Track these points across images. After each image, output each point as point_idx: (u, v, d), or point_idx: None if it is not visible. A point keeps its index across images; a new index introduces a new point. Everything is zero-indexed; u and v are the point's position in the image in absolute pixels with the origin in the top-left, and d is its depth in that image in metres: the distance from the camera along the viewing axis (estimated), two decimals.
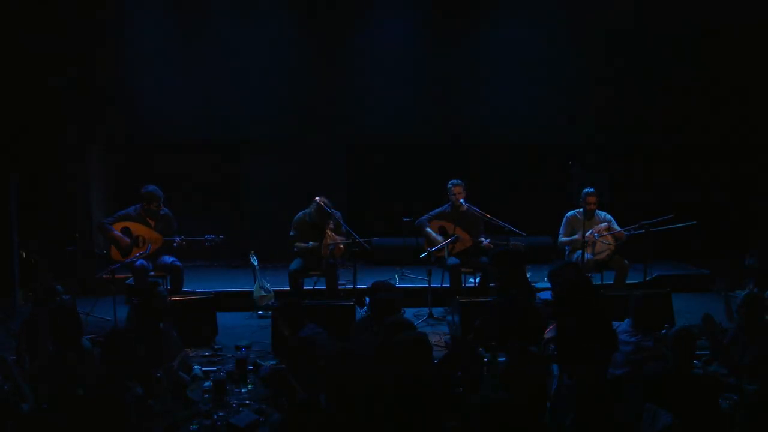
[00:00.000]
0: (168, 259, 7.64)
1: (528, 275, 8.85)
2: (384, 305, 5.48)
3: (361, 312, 6.93)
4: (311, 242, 7.63)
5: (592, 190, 7.99)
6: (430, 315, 7.82)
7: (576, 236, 7.86)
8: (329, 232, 7.60)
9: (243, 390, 5.32)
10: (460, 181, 7.99)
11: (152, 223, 7.62)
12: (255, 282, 8.10)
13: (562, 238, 8.15)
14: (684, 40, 9.87)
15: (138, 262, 7.33)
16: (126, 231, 7.54)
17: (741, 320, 5.58)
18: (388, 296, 5.69)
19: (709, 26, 9.70)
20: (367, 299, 6.27)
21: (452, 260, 7.78)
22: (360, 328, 5.66)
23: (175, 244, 7.54)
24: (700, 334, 5.76)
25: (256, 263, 8.16)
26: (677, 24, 9.77)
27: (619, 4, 9.78)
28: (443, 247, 7.69)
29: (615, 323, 5.55)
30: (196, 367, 5.61)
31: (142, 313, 5.64)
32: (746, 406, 4.55)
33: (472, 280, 8.12)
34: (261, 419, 4.75)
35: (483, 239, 7.80)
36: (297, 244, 7.73)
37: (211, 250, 8.91)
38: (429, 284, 7.88)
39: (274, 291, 8.09)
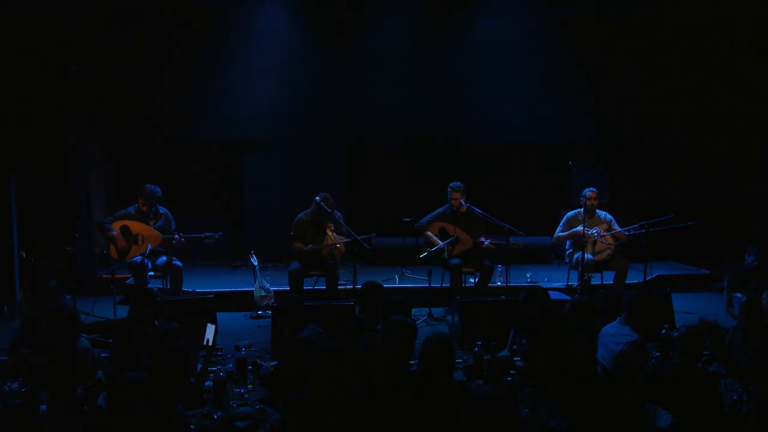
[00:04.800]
0: (167, 259, 7.64)
1: (528, 276, 8.95)
2: (397, 306, 5.48)
3: None
4: (309, 245, 7.62)
5: (593, 189, 8.00)
6: (430, 315, 7.81)
7: (576, 229, 7.85)
8: (330, 232, 7.60)
9: (243, 390, 5.31)
10: (460, 185, 7.97)
11: (151, 221, 7.62)
12: (255, 282, 8.10)
13: (559, 233, 8.14)
14: (684, 37, 9.88)
15: (137, 260, 7.33)
16: (125, 229, 7.54)
17: (742, 322, 5.63)
18: (399, 298, 5.72)
19: (710, 21, 9.70)
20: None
21: (453, 260, 7.77)
22: (358, 329, 5.65)
23: (173, 242, 7.54)
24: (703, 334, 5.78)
25: (256, 263, 8.16)
26: (678, 20, 9.78)
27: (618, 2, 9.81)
28: (443, 248, 7.69)
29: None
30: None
31: (137, 312, 5.65)
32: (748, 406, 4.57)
33: (472, 280, 8.12)
34: (261, 419, 4.75)
35: (484, 240, 7.80)
36: (296, 245, 7.73)
37: (211, 250, 8.92)
38: (429, 284, 7.88)
39: (274, 291, 8.09)
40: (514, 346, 5.63)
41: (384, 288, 6.00)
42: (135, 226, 7.56)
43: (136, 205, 7.66)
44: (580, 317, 5.33)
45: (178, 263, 7.66)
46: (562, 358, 4.32)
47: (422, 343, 4.43)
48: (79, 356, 5.08)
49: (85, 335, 5.51)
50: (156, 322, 5.57)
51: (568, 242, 8.12)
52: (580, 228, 7.78)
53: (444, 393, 4.20)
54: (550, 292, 6.78)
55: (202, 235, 7.62)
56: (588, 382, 4.19)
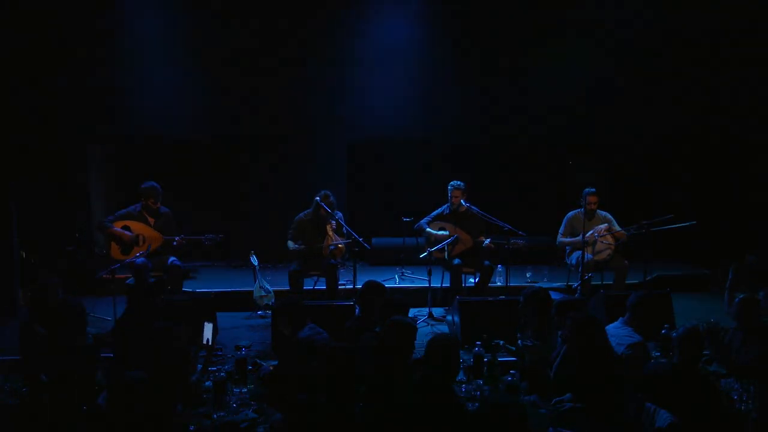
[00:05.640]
0: (167, 259, 7.64)
1: (528, 276, 8.95)
2: (396, 306, 5.48)
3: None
4: (298, 245, 7.62)
5: (593, 190, 8.00)
6: (430, 315, 7.81)
7: (577, 238, 7.86)
8: (330, 232, 7.60)
9: (243, 390, 5.32)
10: (460, 184, 7.97)
11: (152, 222, 7.62)
12: (255, 282, 8.10)
13: (562, 238, 8.15)
14: (683, 38, 9.88)
15: (138, 260, 7.33)
16: (126, 229, 7.54)
17: (741, 322, 5.63)
18: (399, 298, 5.72)
19: (710, 22, 9.71)
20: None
21: (453, 260, 7.77)
22: (358, 329, 5.65)
23: (174, 243, 7.53)
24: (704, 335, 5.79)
25: (256, 263, 8.16)
26: (679, 19, 9.78)
27: (628, 4, 9.81)
28: (443, 247, 7.69)
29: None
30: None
31: (137, 310, 5.66)
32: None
33: (472, 280, 8.12)
34: (261, 419, 4.75)
35: (484, 239, 7.80)
36: (290, 243, 7.72)
37: (211, 250, 8.92)
38: (429, 284, 7.88)
39: (274, 291, 8.09)
40: (519, 341, 5.63)
41: (385, 288, 6.01)
42: (136, 226, 7.56)
43: (137, 205, 7.65)
44: (562, 318, 5.32)
45: (178, 263, 7.66)
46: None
47: (427, 344, 4.44)
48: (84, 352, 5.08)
49: (92, 332, 5.52)
50: (155, 322, 5.58)
51: None
52: (579, 238, 7.77)
53: (447, 394, 4.21)
54: (551, 293, 6.81)
55: (203, 237, 7.62)
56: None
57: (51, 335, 5.11)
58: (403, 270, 9.17)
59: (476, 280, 8.02)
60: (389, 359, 4.62)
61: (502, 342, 5.66)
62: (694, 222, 7.72)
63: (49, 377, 4.78)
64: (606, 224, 7.98)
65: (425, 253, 7.78)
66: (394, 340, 4.66)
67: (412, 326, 4.81)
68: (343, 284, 7.93)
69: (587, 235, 7.73)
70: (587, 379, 4.49)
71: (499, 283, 8.25)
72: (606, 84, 10.06)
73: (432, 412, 4.02)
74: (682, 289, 8.64)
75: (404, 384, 4.39)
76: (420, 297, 8.02)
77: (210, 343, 5.56)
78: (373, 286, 5.95)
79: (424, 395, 4.13)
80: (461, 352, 6.36)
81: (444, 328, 7.45)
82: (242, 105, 9.89)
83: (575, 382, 4.60)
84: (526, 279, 8.85)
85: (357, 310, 6.23)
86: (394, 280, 8.88)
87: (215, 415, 4.80)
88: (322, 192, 7.72)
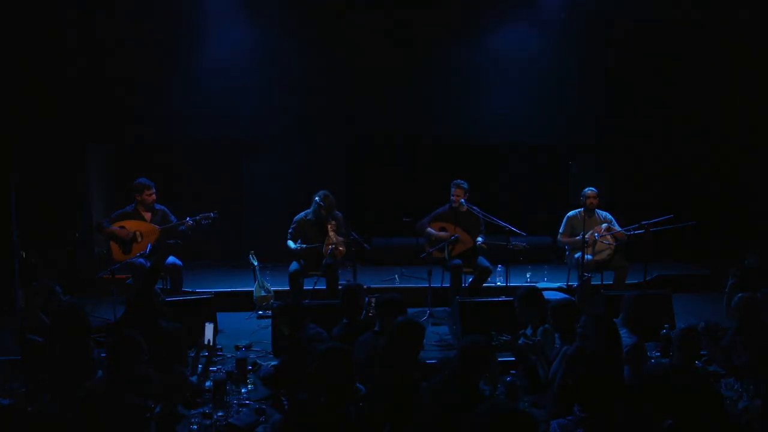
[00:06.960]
0: (168, 259, 7.64)
1: (528, 276, 8.95)
2: (392, 306, 5.46)
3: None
4: (304, 245, 7.61)
5: (592, 189, 8.01)
6: (431, 315, 7.81)
7: (577, 237, 7.86)
8: (331, 232, 7.60)
9: (243, 390, 5.32)
10: (462, 183, 7.97)
11: (147, 217, 7.62)
12: (255, 282, 8.11)
13: (562, 238, 8.15)
14: (683, 39, 9.88)
15: (137, 261, 7.33)
16: (123, 230, 7.54)
17: (738, 322, 5.64)
18: (393, 297, 5.68)
19: (708, 25, 9.71)
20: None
21: (453, 260, 7.77)
22: (348, 335, 5.61)
23: (183, 227, 7.52)
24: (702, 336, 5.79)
25: (256, 263, 8.16)
26: (678, 20, 9.77)
27: (618, 3, 9.80)
28: (443, 247, 7.68)
29: None
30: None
31: (136, 310, 5.66)
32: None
33: None
34: (261, 419, 4.75)
35: (480, 238, 7.81)
36: (290, 242, 7.72)
37: (211, 250, 8.91)
38: (429, 284, 7.88)
39: (274, 291, 8.10)
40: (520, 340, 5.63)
41: (364, 288, 6.01)
42: (132, 224, 7.56)
43: (133, 205, 7.66)
44: (559, 320, 5.31)
45: (179, 262, 7.67)
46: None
47: (461, 346, 4.46)
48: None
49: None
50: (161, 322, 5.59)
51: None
52: (579, 238, 7.76)
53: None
54: (551, 293, 6.81)
55: (198, 217, 7.58)
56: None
57: (52, 340, 5.10)
58: (403, 270, 9.17)
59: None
60: (398, 359, 4.62)
61: (508, 337, 5.65)
62: (694, 222, 7.73)
63: (51, 379, 4.78)
64: (606, 224, 7.99)
65: (425, 254, 7.78)
66: (404, 341, 4.66)
67: (421, 326, 4.82)
68: (344, 284, 7.92)
69: (587, 235, 7.72)
70: (593, 382, 4.46)
71: (499, 283, 8.25)
72: (606, 84, 10.06)
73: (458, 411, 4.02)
74: (682, 289, 8.63)
75: (415, 384, 4.42)
76: (420, 297, 8.02)
77: (211, 344, 5.57)
78: (355, 289, 5.93)
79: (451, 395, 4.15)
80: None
81: (444, 329, 7.45)
82: (242, 105, 9.87)
83: (579, 384, 4.59)
84: (526, 279, 8.84)
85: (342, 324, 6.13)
86: (394, 280, 8.88)
87: (215, 415, 4.80)
88: (322, 192, 7.72)
